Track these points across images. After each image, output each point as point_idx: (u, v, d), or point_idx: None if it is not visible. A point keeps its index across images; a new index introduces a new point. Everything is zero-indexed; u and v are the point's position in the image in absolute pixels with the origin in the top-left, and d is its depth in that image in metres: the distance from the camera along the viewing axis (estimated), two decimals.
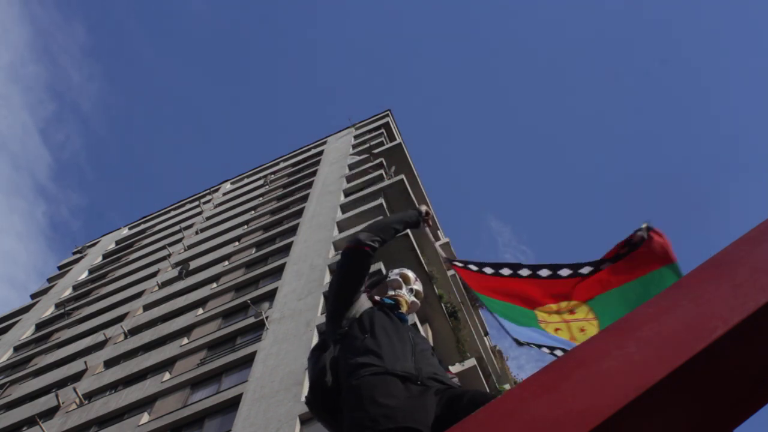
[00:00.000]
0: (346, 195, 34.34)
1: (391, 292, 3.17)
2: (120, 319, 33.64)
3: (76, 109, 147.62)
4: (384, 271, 3.48)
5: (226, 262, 33.89)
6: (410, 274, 3.31)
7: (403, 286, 3.22)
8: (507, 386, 29.05)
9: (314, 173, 41.71)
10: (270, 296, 27.97)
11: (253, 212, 40.73)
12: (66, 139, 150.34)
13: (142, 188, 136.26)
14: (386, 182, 32.98)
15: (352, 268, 2.89)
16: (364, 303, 2.94)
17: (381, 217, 3.05)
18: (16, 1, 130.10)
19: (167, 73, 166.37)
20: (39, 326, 38.12)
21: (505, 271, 3.38)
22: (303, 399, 19.84)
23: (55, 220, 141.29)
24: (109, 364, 29.24)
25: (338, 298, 2.89)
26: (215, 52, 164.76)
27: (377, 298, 3.12)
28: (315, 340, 22.73)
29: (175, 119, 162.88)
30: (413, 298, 3.23)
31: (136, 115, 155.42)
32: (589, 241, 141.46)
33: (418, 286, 3.29)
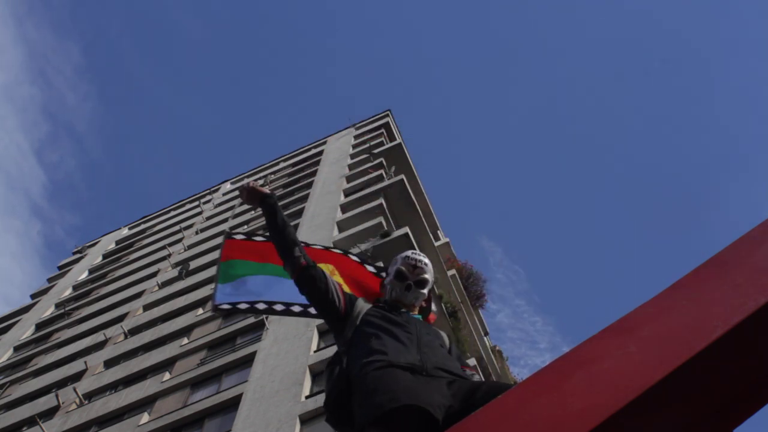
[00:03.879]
0: (346, 195, 34.28)
1: (391, 294, 3.01)
2: (120, 319, 33.62)
3: (70, 129, 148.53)
4: (383, 267, 3.40)
5: None
6: (403, 267, 3.02)
7: (398, 286, 2.98)
8: None
9: (314, 173, 41.68)
10: None
11: (253, 212, 40.68)
12: (60, 159, 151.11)
13: (138, 202, 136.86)
14: (386, 182, 32.92)
15: (305, 291, 2.94)
16: (363, 307, 2.90)
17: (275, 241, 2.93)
18: (10, 22, 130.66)
19: (164, 77, 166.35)
20: (39, 326, 38.10)
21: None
22: (303, 399, 19.84)
23: (50, 239, 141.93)
24: (109, 364, 29.22)
25: (322, 316, 2.96)
26: (214, 53, 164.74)
27: (380, 302, 3.03)
28: (315, 340, 22.72)
29: (174, 123, 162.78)
30: (416, 294, 2.98)
31: (131, 129, 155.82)
32: (590, 244, 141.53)
33: (417, 274, 3.00)
